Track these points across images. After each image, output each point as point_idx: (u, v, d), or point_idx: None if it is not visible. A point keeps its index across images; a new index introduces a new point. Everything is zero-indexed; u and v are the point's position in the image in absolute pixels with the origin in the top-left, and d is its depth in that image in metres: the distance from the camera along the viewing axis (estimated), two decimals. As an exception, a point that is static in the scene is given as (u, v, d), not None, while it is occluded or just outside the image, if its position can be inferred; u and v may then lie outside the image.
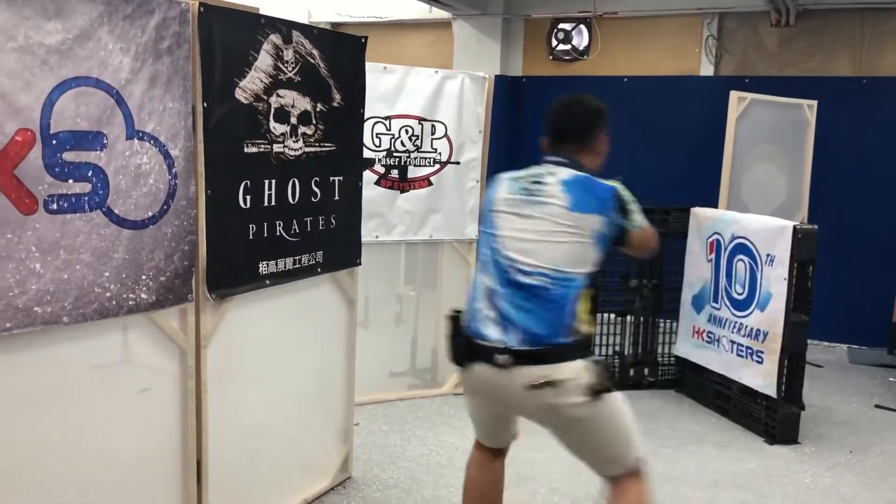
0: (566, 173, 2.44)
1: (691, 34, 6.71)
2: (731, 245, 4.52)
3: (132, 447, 2.53)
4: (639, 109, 6.79)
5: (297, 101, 2.95)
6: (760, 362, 4.26)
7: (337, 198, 3.25)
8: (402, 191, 4.50)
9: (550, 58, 7.18)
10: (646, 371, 5.07)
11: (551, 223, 2.36)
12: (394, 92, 4.39)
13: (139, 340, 2.50)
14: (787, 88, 5.75)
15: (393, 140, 4.43)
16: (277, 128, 2.88)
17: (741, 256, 4.44)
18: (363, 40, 3.33)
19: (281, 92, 2.87)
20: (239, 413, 2.92)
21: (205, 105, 2.57)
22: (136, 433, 2.53)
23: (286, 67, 2.88)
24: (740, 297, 4.45)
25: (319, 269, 3.20)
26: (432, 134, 4.53)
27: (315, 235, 3.14)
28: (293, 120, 2.95)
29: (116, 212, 2.31)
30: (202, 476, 2.76)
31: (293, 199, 3.00)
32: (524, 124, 7.00)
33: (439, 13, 7.21)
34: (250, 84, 2.74)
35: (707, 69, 6.67)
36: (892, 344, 5.95)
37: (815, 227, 4.17)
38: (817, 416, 4.61)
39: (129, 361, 2.49)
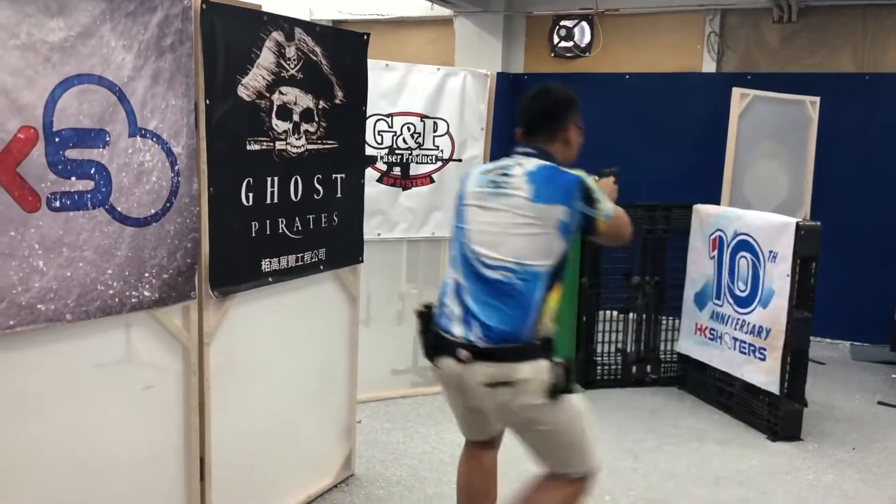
0: (532, 164, 2.41)
1: (693, 31, 6.70)
2: (734, 242, 4.52)
3: (135, 444, 2.53)
4: (641, 106, 6.79)
5: (299, 99, 2.95)
6: (763, 359, 4.26)
7: (339, 195, 3.25)
8: (405, 188, 4.50)
9: (552, 55, 7.18)
10: (648, 368, 5.06)
11: (514, 215, 2.34)
12: (396, 89, 4.39)
13: (142, 338, 2.50)
14: (789, 85, 5.74)
15: (395, 137, 4.43)
16: (280, 125, 2.88)
17: (744, 253, 4.44)
18: (365, 37, 3.32)
19: (283, 89, 2.87)
20: (242, 410, 2.92)
21: (207, 102, 2.57)
22: (138, 430, 2.54)
23: (288, 65, 2.88)
24: (743, 294, 4.44)
25: (322, 267, 3.20)
26: (434, 131, 4.53)
27: (317, 233, 3.14)
28: (295, 117, 2.95)
29: (119, 209, 2.32)
30: (205, 473, 2.77)
31: (295, 197, 3.00)
32: (526, 122, 6.98)
33: (441, 10, 7.21)
34: (253, 81, 2.74)
35: (709, 66, 6.66)
36: (895, 340, 5.94)
37: (818, 223, 4.16)
38: (820, 413, 4.61)
39: (132, 359, 2.49)
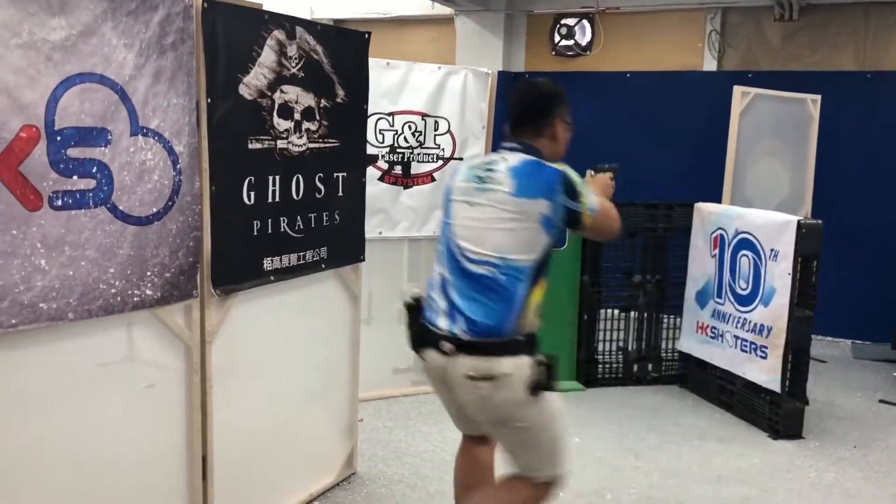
0: (516, 159, 2.41)
1: (694, 29, 6.70)
2: (735, 240, 4.52)
3: (137, 443, 2.53)
4: (642, 105, 6.79)
5: (300, 97, 2.95)
6: (764, 357, 4.26)
7: (340, 194, 3.25)
8: (406, 187, 4.50)
9: (553, 53, 7.18)
10: (649, 367, 5.06)
11: (497, 210, 2.34)
12: (397, 88, 4.39)
13: (144, 337, 2.50)
14: (790, 83, 5.73)
15: (396, 136, 4.43)
16: (281, 124, 2.88)
17: (745, 251, 4.44)
18: (366, 36, 3.33)
19: (284, 88, 2.87)
20: (244, 409, 2.93)
21: (209, 101, 2.57)
22: (140, 429, 2.54)
23: (290, 63, 2.88)
24: (744, 293, 4.44)
25: (323, 266, 3.20)
26: (435, 130, 4.53)
27: (319, 231, 3.14)
28: (297, 116, 2.95)
29: (121, 208, 2.32)
30: (207, 472, 2.77)
31: (297, 196, 3.01)
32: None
33: (442, 9, 7.21)
34: (254, 80, 2.74)
35: (710, 64, 6.65)
36: (896, 339, 5.95)
37: (819, 221, 4.16)
38: (821, 412, 4.61)
39: (134, 358, 2.49)
